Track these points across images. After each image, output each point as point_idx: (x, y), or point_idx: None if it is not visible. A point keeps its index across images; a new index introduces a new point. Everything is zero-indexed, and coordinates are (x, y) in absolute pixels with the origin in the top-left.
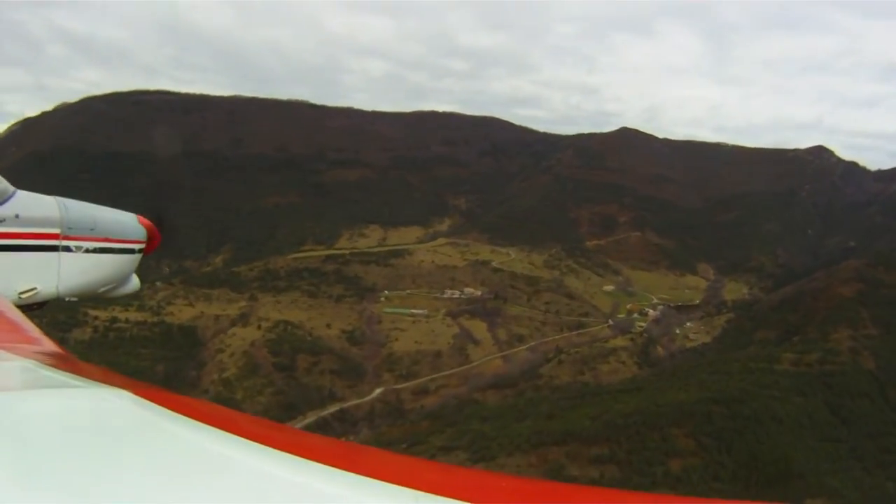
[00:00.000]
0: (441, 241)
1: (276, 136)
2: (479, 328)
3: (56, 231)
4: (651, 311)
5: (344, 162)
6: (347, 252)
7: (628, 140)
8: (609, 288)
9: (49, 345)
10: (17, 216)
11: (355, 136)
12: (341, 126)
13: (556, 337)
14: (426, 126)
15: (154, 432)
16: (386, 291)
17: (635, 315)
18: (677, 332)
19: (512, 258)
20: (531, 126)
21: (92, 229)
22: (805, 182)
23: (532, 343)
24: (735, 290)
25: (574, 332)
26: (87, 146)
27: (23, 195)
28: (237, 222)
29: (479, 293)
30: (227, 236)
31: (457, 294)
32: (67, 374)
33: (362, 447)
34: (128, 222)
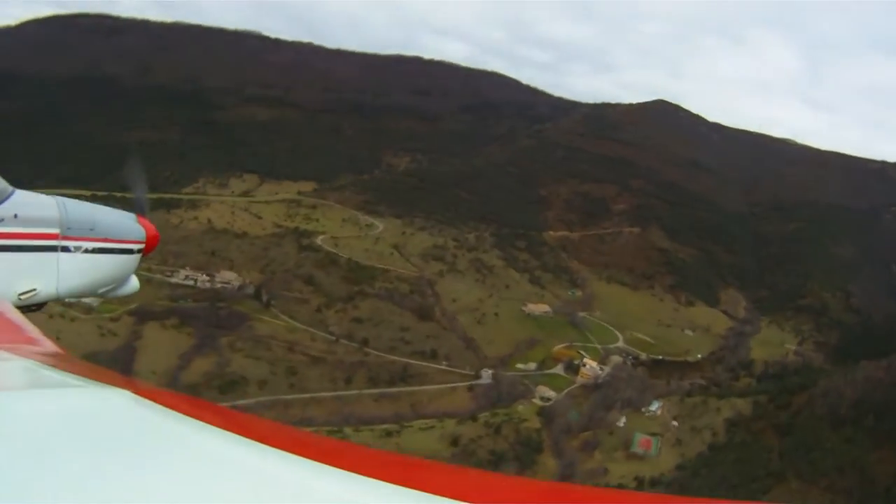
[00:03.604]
0: (283, 195)
1: (193, 66)
2: (165, 349)
3: (55, 231)
4: (590, 365)
5: (263, 100)
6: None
7: (662, 114)
8: (540, 309)
9: (49, 345)
10: (15, 216)
11: (294, 74)
12: (283, 62)
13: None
14: (397, 72)
15: (154, 432)
16: None
17: (559, 367)
18: (620, 423)
19: (375, 232)
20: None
21: (91, 229)
22: (893, 202)
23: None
24: (774, 343)
25: (375, 391)
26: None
27: (22, 195)
28: (85, 153)
29: (236, 283)
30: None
31: (192, 281)
32: (67, 374)
33: (362, 447)
34: (127, 223)
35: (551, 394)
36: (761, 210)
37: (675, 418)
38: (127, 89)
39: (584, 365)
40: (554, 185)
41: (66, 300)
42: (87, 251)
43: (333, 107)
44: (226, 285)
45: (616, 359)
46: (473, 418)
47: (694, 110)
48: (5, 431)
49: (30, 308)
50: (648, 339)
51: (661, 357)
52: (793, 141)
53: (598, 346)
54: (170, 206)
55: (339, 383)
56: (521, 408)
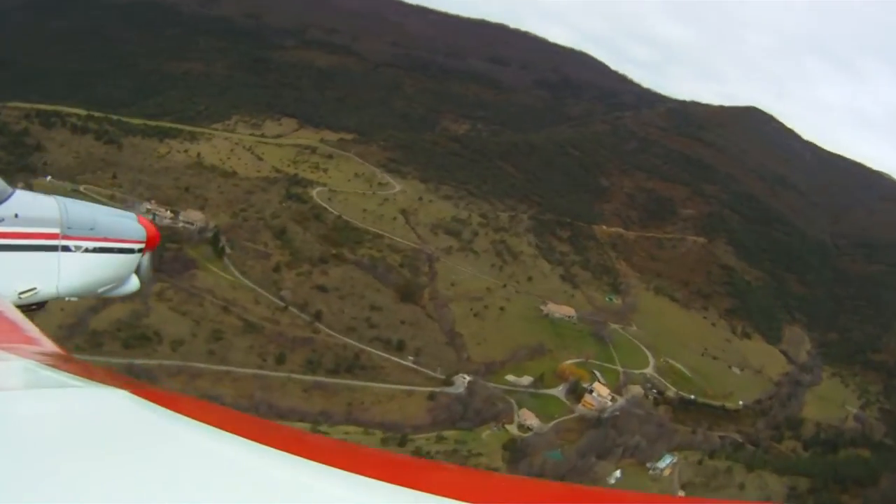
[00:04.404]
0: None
1: (258, 2)
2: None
3: (55, 231)
4: (600, 392)
5: (324, 45)
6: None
7: (753, 122)
8: (563, 311)
9: (49, 345)
10: (16, 216)
11: (364, 23)
12: (354, 9)
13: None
14: (477, 37)
15: (154, 432)
16: (49, 178)
17: (560, 388)
18: (612, 478)
19: (388, 192)
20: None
21: (92, 229)
22: None
23: None
24: (833, 400)
25: (309, 379)
26: None
27: (22, 194)
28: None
29: (199, 225)
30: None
31: (152, 215)
32: (67, 374)
33: (362, 447)
34: (127, 222)
35: (535, 422)
36: (846, 244)
37: (683, 487)
38: (185, 18)
39: (592, 391)
40: (618, 176)
41: (67, 299)
42: (87, 251)
43: (398, 62)
44: (188, 225)
45: (636, 389)
46: (403, 441)
47: (788, 125)
48: (5, 431)
49: (30, 307)
50: (685, 370)
51: (693, 397)
52: (890, 176)
53: (620, 369)
54: (166, 135)
55: (268, 361)
56: (487, 434)
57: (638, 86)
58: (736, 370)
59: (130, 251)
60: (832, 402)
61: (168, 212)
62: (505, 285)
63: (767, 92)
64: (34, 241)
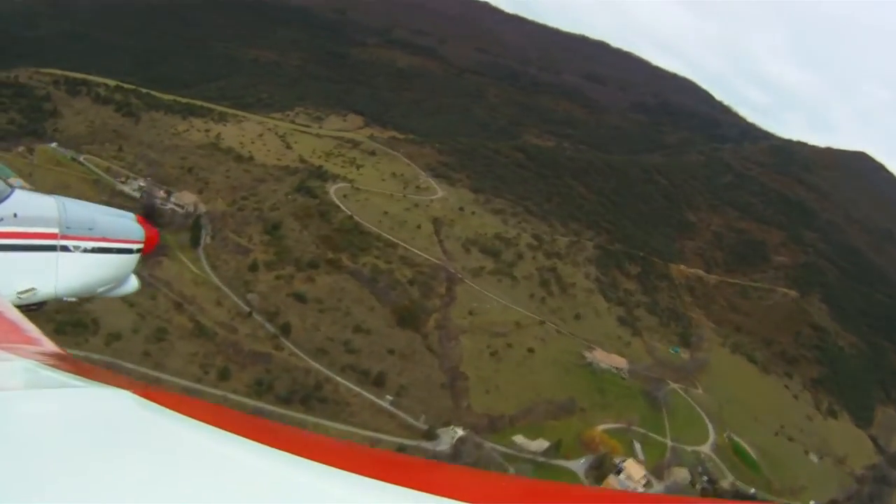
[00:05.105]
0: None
1: None
2: None
3: (54, 230)
4: (632, 472)
5: (408, 46)
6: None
7: (862, 167)
8: (612, 361)
9: (49, 345)
10: (15, 215)
11: (455, 28)
12: (446, 12)
13: None
14: (575, 52)
15: (154, 432)
16: (55, 144)
17: (582, 461)
18: None
19: (424, 197)
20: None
21: (90, 229)
22: None
23: None
24: None
25: (250, 404)
26: None
27: (21, 194)
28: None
29: (189, 208)
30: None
31: (143, 194)
32: (67, 374)
33: (362, 447)
34: (126, 222)
35: None
36: None
37: None
38: (267, 6)
39: (621, 470)
40: (707, 212)
41: (66, 300)
42: (86, 251)
43: (485, 70)
44: (177, 208)
45: (681, 473)
46: None
47: None
48: (5, 431)
49: (29, 307)
50: (752, 451)
51: (753, 491)
52: None
53: (669, 443)
54: (192, 113)
55: (210, 374)
56: None
57: (743, 119)
58: (814, 457)
59: (129, 251)
60: None
61: (162, 192)
62: (543, 322)
63: (880, 144)
64: (33, 241)
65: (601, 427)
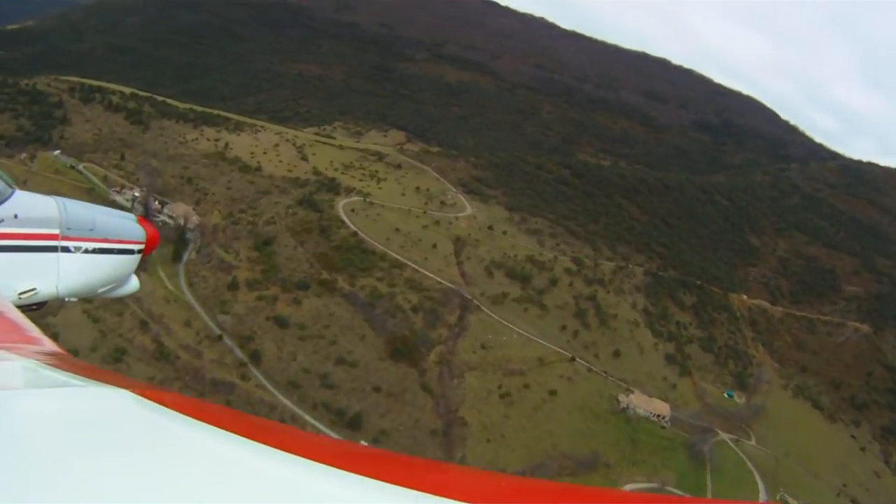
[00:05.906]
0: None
1: (396, 13)
2: None
3: (55, 231)
4: None
5: (458, 61)
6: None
7: None
8: (652, 407)
9: (49, 345)
10: (16, 216)
11: (509, 43)
12: (501, 28)
13: None
14: (635, 70)
15: (154, 432)
16: (58, 152)
17: None
18: None
19: (449, 215)
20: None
21: (91, 230)
22: None
23: None
24: None
25: None
26: None
27: (22, 195)
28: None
29: (181, 221)
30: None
31: (136, 204)
32: (67, 373)
33: (362, 447)
34: (127, 223)
35: None
36: None
37: None
38: (314, 21)
39: None
40: (772, 236)
41: (66, 300)
42: (87, 251)
43: (539, 86)
44: (168, 220)
45: None
46: None
47: None
48: (5, 431)
49: (30, 307)
50: None
51: None
52: None
53: None
54: (206, 122)
55: None
56: None
57: (810, 139)
58: None
59: (130, 252)
60: None
61: (156, 202)
62: (573, 358)
63: None
64: (34, 242)
65: (628, 487)
